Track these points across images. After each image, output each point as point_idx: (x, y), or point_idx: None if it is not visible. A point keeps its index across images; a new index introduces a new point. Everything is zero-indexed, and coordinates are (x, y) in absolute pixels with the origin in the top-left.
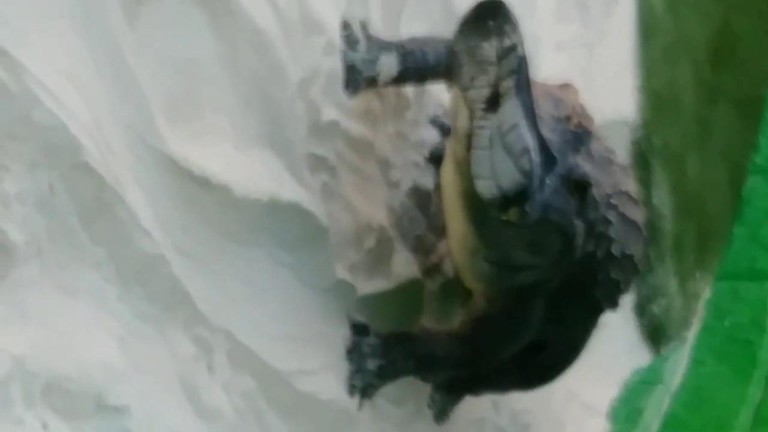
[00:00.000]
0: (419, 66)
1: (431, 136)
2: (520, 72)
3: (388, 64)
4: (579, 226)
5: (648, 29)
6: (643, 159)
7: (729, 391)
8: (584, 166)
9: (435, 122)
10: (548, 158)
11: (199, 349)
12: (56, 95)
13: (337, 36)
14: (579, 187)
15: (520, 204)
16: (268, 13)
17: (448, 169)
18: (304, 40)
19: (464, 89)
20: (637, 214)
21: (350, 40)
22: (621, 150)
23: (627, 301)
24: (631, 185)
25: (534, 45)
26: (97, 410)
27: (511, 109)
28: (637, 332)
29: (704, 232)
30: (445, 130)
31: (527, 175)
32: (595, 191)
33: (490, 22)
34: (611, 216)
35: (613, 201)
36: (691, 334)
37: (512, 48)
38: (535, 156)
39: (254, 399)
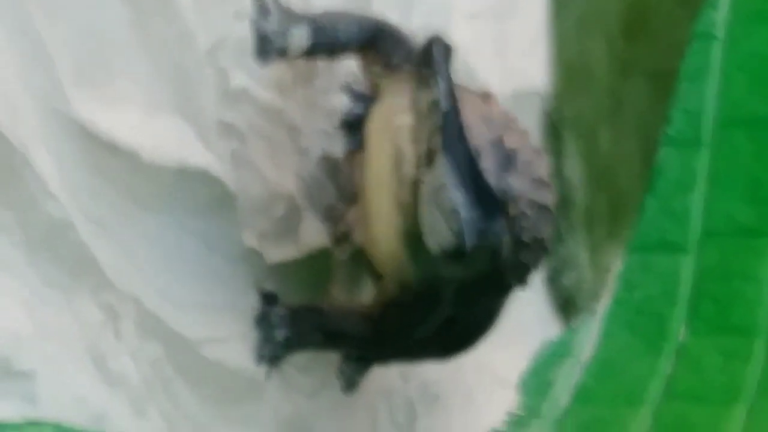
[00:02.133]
0: (330, 41)
1: (342, 103)
2: (445, 128)
3: (299, 37)
4: (507, 240)
5: (561, 1)
6: (554, 130)
7: (639, 363)
8: (515, 184)
9: (347, 89)
10: (490, 204)
11: (107, 315)
12: None
13: (246, 3)
14: (509, 208)
15: (458, 260)
16: None
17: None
18: (214, 7)
19: (416, 144)
20: (548, 197)
21: (262, 11)
22: (533, 121)
23: (537, 272)
24: (543, 168)
25: (446, 14)
26: (3, 375)
27: (439, 168)
28: (547, 304)
29: (615, 203)
30: (356, 97)
31: (458, 235)
32: (523, 207)
33: (424, 70)
34: (528, 210)
35: (531, 196)
36: (602, 306)
37: (436, 103)
38: (466, 213)
39: (161, 366)
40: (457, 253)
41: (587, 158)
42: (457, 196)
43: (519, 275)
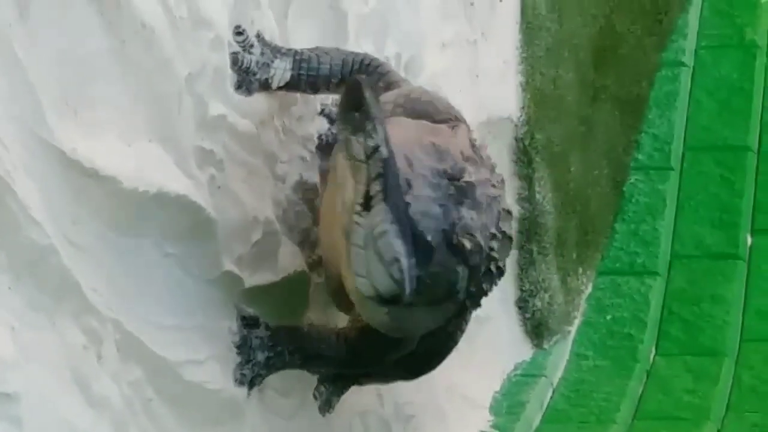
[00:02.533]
0: (312, 74)
1: (319, 127)
2: (386, 174)
3: (282, 69)
4: (462, 271)
5: (532, 28)
6: (526, 156)
7: (610, 384)
8: (467, 217)
9: (324, 113)
10: (425, 249)
11: (89, 338)
12: None
13: (224, 32)
14: (461, 241)
15: (395, 304)
16: (156, 9)
17: (330, 204)
18: (192, 36)
19: (354, 182)
20: (509, 226)
21: (245, 45)
22: (505, 147)
23: (509, 295)
24: (502, 195)
25: (419, 43)
26: None
27: (380, 215)
28: (519, 326)
29: (586, 228)
30: (332, 121)
31: (399, 283)
32: (478, 239)
33: (356, 114)
34: (488, 242)
35: (492, 230)
36: (573, 328)
37: (375, 149)
38: (407, 262)
39: (142, 388)
40: (395, 299)
41: (558, 183)
42: (398, 245)
43: (475, 300)
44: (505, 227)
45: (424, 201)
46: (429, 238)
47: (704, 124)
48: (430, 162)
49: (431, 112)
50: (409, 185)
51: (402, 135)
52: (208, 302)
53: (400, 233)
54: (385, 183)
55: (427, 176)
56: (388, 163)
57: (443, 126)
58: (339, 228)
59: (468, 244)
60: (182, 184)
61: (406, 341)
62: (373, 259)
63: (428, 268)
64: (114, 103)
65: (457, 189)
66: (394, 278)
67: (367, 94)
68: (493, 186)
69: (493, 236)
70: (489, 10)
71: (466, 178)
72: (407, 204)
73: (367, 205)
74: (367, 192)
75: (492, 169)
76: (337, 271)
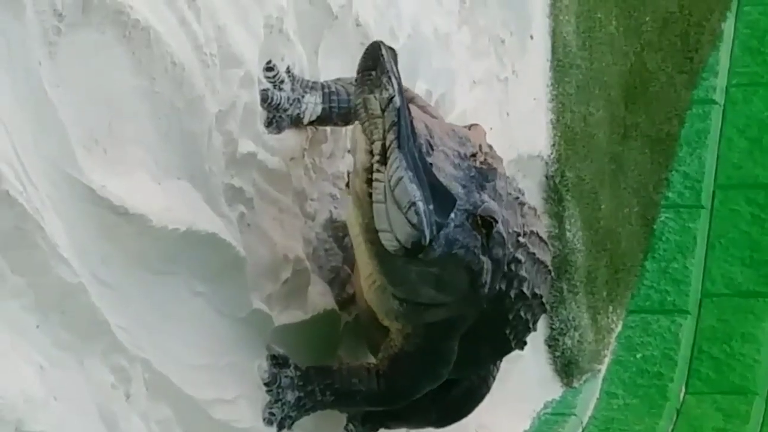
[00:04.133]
0: (342, 106)
1: (349, 164)
2: (399, 123)
3: (313, 103)
4: (486, 262)
5: (562, 65)
6: (556, 194)
7: (641, 423)
8: (489, 202)
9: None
10: (446, 200)
11: (117, 377)
12: None
13: (254, 69)
14: (484, 223)
15: (417, 253)
16: (186, 47)
17: (351, 204)
18: (222, 74)
19: (370, 142)
20: (546, 256)
21: (275, 80)
22: (535, 185)
23: (539, 334)
24: (540, 226)
25: (450, 80)
26: None
27: (395, 163)
28: (549, 365)
29: (617, 266)
30: None
31: (416, 227)
32: (501, 228)
33: (373, 73)
34: (521, 255)
35: (521, 240)
36: (603, 366)
37: (390, 99)
38: (423, 206)
39: (171, 427)
40: (416, 246)
41: (588, 221)
42: (413, 189)
43: (518, 333)
44: (540, 254)
45: (446, 177)
46: (446, 190)
47: (735, 162)
48: (452, 144)
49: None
50: (431, 147)
51: (422, 117)
52: (237, 341)
53: (416, 178)
54: (399, 131)
55: (449, 155)
56: (401, 111)
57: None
58: (352, 199)
59: (491, 228)
60: (212, 222)
61: (441, 367)
62: (392, 209)
63: (452, 249)
64: (143, 141)
65: (478, 172)
66: (411, 222)
67: (384, 51)
68: (510, 184)
69: (519, 244)
70: (520, 48)
71: (487, 162)
72: (422, 152)
73: (384, 158)
74: (384, 145)
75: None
76: (367, 306)
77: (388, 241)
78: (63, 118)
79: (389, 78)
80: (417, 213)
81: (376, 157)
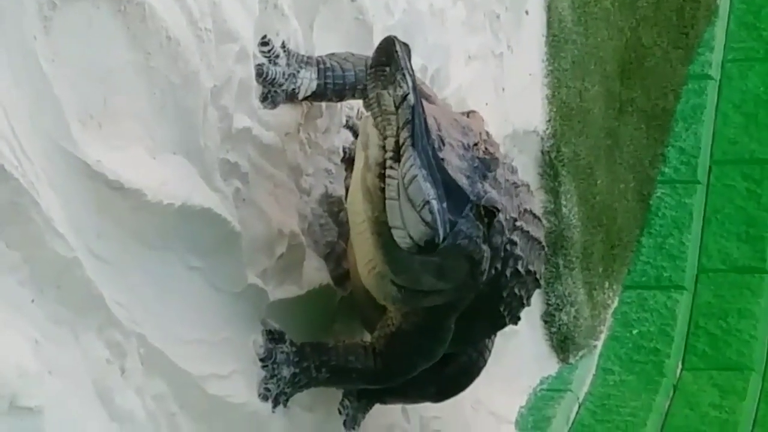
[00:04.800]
0: (338, 82)
1: (345, 139)
2: (414, 122)
3: (308, 78)
4: (486, 251)
5: (558, 40)
6: (552, 169)
7: (637, 399)
8: (491, 192)
9: (349, 125)
10: (459, 197)
11: (113, 352)
12: None
13: (249, 44)
14: (487, 213)
15: (431, 251)
16: (182, 22)
17: (356, 194)
18: (217, 49)
19: (383, 138)
20: (539, 232)
21: (270, 55)
22: (531, 160)
23: (535, 309)
24: (533, 203)
25: (445, 55)
26: (9, 411)
27: (409, 161)
28: (545, 341)
29: (613, 241)
30: (357, 133)
31: (430, 225)
32: (501, 216)
33: (387, 69)
34: (516, 237)
35: (518, 223)
36: (599, 342)
37: (404, 97)
38: (437, 204)
39: (166, 402)
40: (429, 244)
41: (584, 197)
42: (427, 188)
43: (513, 309)
44: (534, 231)
45: (452, 168)
46: (459, 188)
47: (731, 138)
48: (456, 135)
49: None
50: (442, 142)
51: (430, 110)
52: (232, 316)
53: (429, 177)
54: (413, 129)
55: (454, 146)
56: (415, 109)
57: (459, 113)
58: (362, 192)
59: (493, 218)
60: (207, 197)
61: (437, 345)
62: (405, 207)
63: (456, 240)
64: (139, 116)
65: (481, 162)
66: (425, 221)
67: (398, 47)
68: (511, 172)
69: (515, 227)
70: (515, 23)
71: (489, 152)
72: (435, 150)
73: (397, 156)
74: (397, 142)
75: (503, 158)
76: (362, 286)
77: (401, 238)
78: (58, 93)
79: (404, 75)
80: (431, 212)
81: (389, 154)
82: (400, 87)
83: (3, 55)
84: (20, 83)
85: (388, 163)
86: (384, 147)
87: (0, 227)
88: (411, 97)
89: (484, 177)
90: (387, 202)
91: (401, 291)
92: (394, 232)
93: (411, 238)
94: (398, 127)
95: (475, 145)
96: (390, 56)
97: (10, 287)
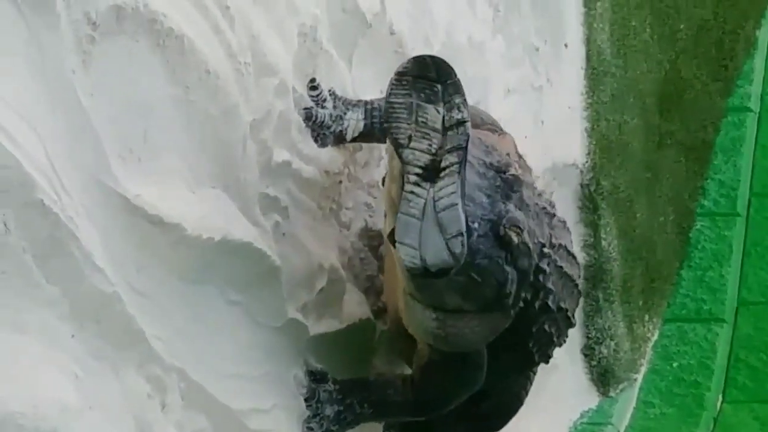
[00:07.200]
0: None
1: (384, 173)
2: (465, 149)
3: (355, 119)
4: (511, 272)
5: (597, 73)
6: (592, 202)
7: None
8: (514, 212)
9: None
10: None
11: (153, 387)
12: (11, 134)
13: (289, 78)
14: (509, 233)
15: (439, 276)
16: (221, 56)
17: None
18: (257, 82)
19: (397, 144)
20: (573, 270)
21: (318, 99)
22: (570, 193)
23: (575, 343)
24: (568, 240)
25: (484, 88)
26: None
27: (452, 188)
28: (585, 374)
29: (652, 275)
30: None
31: (456, 257)
32: (527, 238)
33: (439, 86)
34: (546, 266)
35: (546, 250)
36: (640, 375)
37: (462, 123)
38: (465, 238)
39: None
40: (441, 271)
41: (624, 230)
42: (464, 220)
43: (542, 346)
44: (567, 267)
45: (470, 186)
46: (472, 223)
47: None
48: (478, 153)
49: (476, 121)
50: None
51: None
52: (272, 350)
53: (464, 209)
54: (464, 156)
55: (473, 164)
56: (470, 139)
57: (489, 132)
58: (386, 204)
59: (515, 239)
60: (246, 231)
61: (472, 371)
62: (431, 230)
63: (475, 259)
64: (178, 150)
65: (504, 182)
66: (453, 251)
67: (454, 70)
68: (539, 195)
69: (543, 254)
70: (554, 56)
71: (512, 172)
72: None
73: (431, 175)
74: (436, 162)
75: (533, 182)
76: (398, 317)
77: (408, 257)
78: (97, 127)
79: (464, 101)
80: (462, 245)
81: (418, 170)
82: (459, 111)
83: (42, 90)
84: (59, 117)
85: (414, 179)
86: (401, 156)
87: (40, 262)
88: (468, 125)
89: (508, 197)
90: (400, 216)
91: (437, 317)
92: (400, 248)
93: (422, 260)
94: (441, 147)
95: (498, 164)
96: (443, 74)
97: (51, 322)
